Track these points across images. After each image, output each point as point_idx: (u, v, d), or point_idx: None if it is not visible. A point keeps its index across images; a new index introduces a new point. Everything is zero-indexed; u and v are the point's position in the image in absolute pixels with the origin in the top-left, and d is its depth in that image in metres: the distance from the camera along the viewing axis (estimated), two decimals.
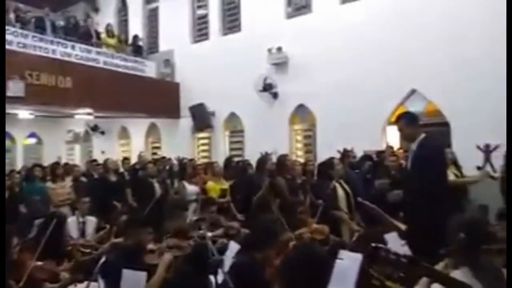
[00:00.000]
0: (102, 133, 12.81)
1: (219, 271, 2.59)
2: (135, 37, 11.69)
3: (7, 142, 12.61)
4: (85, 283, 3.21)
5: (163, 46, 11.72)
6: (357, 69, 8.10)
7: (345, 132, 7.84)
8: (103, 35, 10.88)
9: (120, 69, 10.27)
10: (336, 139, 7.69)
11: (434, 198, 3.45)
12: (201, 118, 10.43)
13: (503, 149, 5.00)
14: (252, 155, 7.79)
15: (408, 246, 2.85)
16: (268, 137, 8.98)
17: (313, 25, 8.88)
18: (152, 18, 12.27)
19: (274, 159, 6.76)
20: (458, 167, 5.55)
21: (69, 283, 3.34)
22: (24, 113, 10.46)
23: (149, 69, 11.08)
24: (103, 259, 3.29)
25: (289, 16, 9.57)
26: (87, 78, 9.18)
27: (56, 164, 7.23)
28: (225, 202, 6.11)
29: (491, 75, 6.75)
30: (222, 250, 3.15)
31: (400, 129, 3.83)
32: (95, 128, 12.81)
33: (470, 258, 2.05)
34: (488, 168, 5.99)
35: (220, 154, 10.04)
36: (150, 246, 3.33)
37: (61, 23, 10.44)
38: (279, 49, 9.20)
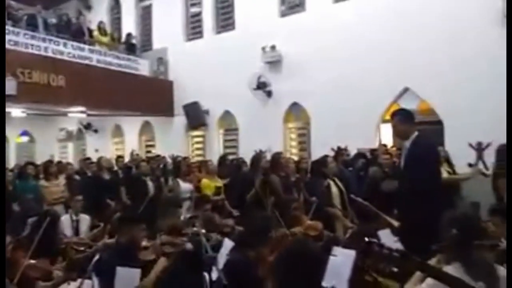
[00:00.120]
0: (96, 131, 12.74)
1: (213, 268, 2.60)
2: (128, 35, 11.63)
3: None
4: (79, 281, 3.20)
5: (156, 44, 11.67)
6: (350, 67, 8.13)
7: (339, 130, 7.87)
8: (95, 33, 10.81)
9: (113, 67, 10.21)
10: (330, 137, 7.72)
11: (427, 195, 3.47)
12: (195, 116, 10.41)
13: (495, 145, 5.05)
14: (246, 153, 7.80)
15: (400, 243, 2.88)
16: (262, 135, 8.99)
17: (307, 24, 8.90)
18: (145, 16, 12.20)
19: (268, 157, 6.78)
20: (450, 164, 5.60)
21: (62, 281, 3.32)
22: (16, 111, 10.37)
23: (143, 67, 11.03)
24: (97, 257, 3.29)
25: (283, 14, 9.57)
26: (80, 76, 9.12)
27: (49, 162, 7.19)
28: (220, 200, 6.11)
29: (486, 75, 6.81)
30: (216, 247, 3.15)
31: (394, 126, 3.83)
32: (88, 126, 12.73)
33: (462, 254, 2.08)
34: (480, 165, 6.05)
35: (214, 152, 10.03)
36: (144, 243, 3.33)
37: (53, 20, 10.35)
38: (273, 47, 9.21)
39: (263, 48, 9.27)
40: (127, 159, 9.27)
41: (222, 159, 7.57)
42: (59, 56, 9.20)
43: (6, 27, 8.49)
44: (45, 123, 13.06)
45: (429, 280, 1.95)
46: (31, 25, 9.20)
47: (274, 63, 9.30)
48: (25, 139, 13.78)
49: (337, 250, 3.01)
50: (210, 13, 10.73)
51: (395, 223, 3.69)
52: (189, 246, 3.21)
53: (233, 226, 4.66)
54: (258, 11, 9.63)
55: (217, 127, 10.58)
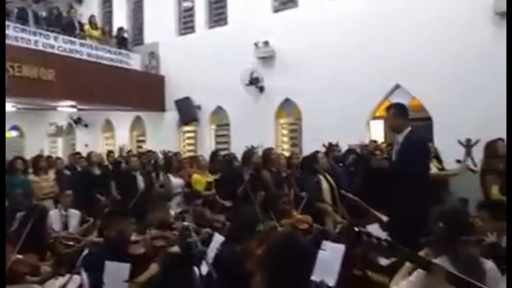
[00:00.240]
0: (86, 126, 12.64)
1: (203, 262, 2.60)
2: (120, 29, 11.52)
3: None
4: (67, 276, 3.18)
5: (148, 38, 11.59)
6: (342, 64, 8.15)
7: (331, 126, 7.90)
8: (86, 27, 10.70)
9: (104, 61, 10.12)
10: (321, 133, 7.75)
11: (416, 190, 3.50)
12: (187, 111, 10.37)
13: (484, 142, 5.11)
14: (238, 149, 7.79)
15: (389, 237, 2.91)
16: (254, 131, 8.98)
17: (300, 20, 8.89)
18: (137, 10, 12.11)
19: (260, 152, 6.79)
20: (439, 160, 5.64)
21: (50, 276, 3.30)
22: (6, 106, 10.23)
23: (134, 61, 10.95)
24: (85, 252, 3.27)
25: (276, 10, 9.56)
26: (70, 70, 9.04)
27: (38, 157, 7.09)
28: (211, 195, 6.11)
29: (476, 72, 6.88)
30: (206, 241, 3.16)
31: (388, 119, 3.85)
32: (78, 121, 12.63)
33: (449, 248, 2.10)
34: (469, 162, 6.11)
35: (206, 147, 10.01)
36: (133, 237, 3.32)
37: (44, 14, 10.23)
38: (266, 43, 9.20)
39: (256, 44, 9.25)
40: (117, 154, 9.22)
41: (214, 154, 7.56)
42: (49, 50, 9.10)
43: None
44: (35, 117, 12.93)
45: (417, 272, 1.97)
46: (21, 18, 9.09)
47: (267, 59, 9.29)
48: (14, 133, 13.62)
49: (327, 245, 3.02)
50: (202, 8, 10.68)
51: (385, 218, 3.72)
52: (179, 240, 3.20)
53: (224, 222, 4.67)
54: (251, 6, 9.61)
55: (209, 123, 10.56)
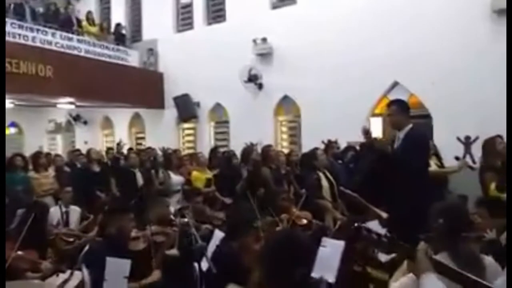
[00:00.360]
0: (85, 123, 12.62)
1: (204, 258, 2.62)
2: (118, 25, 11.48)
3: None
4: (68, 272, 3.19)
5: (146, 35, 11.55)
6: (341, 61, 8.14)
7: (330, 123, 7.90)
8: (84, 23, 10.67)
9: (102, 58, 10.09)
10: (320, 130, 7.76)
11: (417, 187, 3.51)
12: (186, 108, 10.36)
13: (483, 139, 5.12)
14: (237, 146, 7.80)
15: (389, 234, 2.92)
16: (253, 128, 8.99)
17: (298, 17, 8.87)
18: (135, 6, 12.05)
19: (259, 149, 6.80)
20: (439, 158, 5.65)
21: (51, 273, 3.31)
22: None
23: (132, 58, 10.92)
24: (86, 248, 3.28)
25: (274, 6, 9.53)
26: (69, 67, 9.00)
27: (38, 154, 7.09)
28: (211, 192, 6.12)
29: (474, 69, 6.88)
30: (206, 237, 3.17)
31: (389, 115, 3.81)
32: (77, 118, 12.60)
33: (449, 244, 2.11)
34: (468, 159, 6.14)
35: (205, 145, 10.01)
36: (134, 233, 3.33)
37: (41, 10, 10.19)
38: (264, 39, 9.18)
39: (254, 40, 9.23)
40: (115, 150, 9.20)
41: (213, 151, 7.57)
42: (47, 46, 9.07)
43: None
44: (34, 114, 12.90)
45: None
46: (19, 14, 9.04)
47: (265, 56, 9.28)
48: (13, 130, 13.59)
49: (326, 241, 3.05)
50: (200, 4, 10.64)
51: (384, 215, 3.74)
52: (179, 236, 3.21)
53: (223, 219, 4.68)
54: (249, 2, 9.58)
55: (208, 120, 10.56)
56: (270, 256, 1.85)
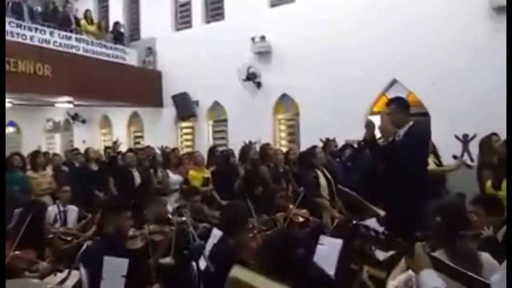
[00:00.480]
0: (83, 122, 12.60)
1: (201, 257, 2.61)
2: (116, 24, 11.46)
3: None
4: (66, 272, 3.19)
5: (144, 33, 11.53)
6: (340, 59, 8.14)
7: (328, 121, 7.90)
8: (82, 22, 10.64)
9: (100, 57, 10.07)
10: (319, 128, 7.75)
11: (415, 185, 3.50)
12: (184, 107, 10.35)
13: (481, 137, 5.13)
14: (236, 145, 7.79)
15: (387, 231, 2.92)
16: (252, 127, 8.99)
17: (296, 15, 8.87)
18: (133, 5, 12.02)
19: (257, 148, 6.80)
20: (437, 156, 5.66)
21: (49, 272, 3.31)
22: None
23: (131, 57, 10.90)
24: (84, 247, 3.28)
25: (273, 4, 9.52)
26: (67, 66, 8.98)
27: (36, 153, 7.09)
28: (208, 191, 6.12)
29: (473, 67, 6.88)
30: (204, 236, 3.17)
31: (389, 113, 3.75)
32: (75, 117, 12.58)
33: (447, 241, 2.12)
34: (466, 157, 6.15)
35: (204, 143, 10.00)
36: (131, 232, 3.33)
37: (39, 8, 10.16)
38: (263, 38, 9.17)
39: (253, 39, 9.22)
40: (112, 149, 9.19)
41: (212, 150, 7.56)
42: (45, 45, 9.05)
43: None
44: (32, 113, 12.88)
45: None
46: (16, 13, 9.01)
47: (264, 54, 9.27)
48: (11, 129, 13.57)
49: (324, 239, 3.05)
50: (199, 3, 10.62)
51: (382, 213, 3.74)
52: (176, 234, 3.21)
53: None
54: (247, 1, 9.57)
55: (207, 118, 10.55)
56: (268, 256, 1.86)
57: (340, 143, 7.29)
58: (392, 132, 3.67)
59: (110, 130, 12.37)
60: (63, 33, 9.54)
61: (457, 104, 6.94)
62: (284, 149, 7.87)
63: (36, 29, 9.07)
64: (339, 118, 7.87)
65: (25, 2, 9.47)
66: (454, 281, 1.78)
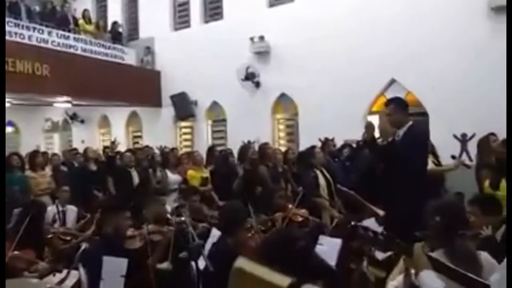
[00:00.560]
0: (82, 121, 12.58)
1: (201, 257, 2.61)
2: (115, 23, 11.44)
3: None
4: (65, 271, 3.19)
5: (143, 33, 11.50)
6: (338, 59, 8.15)
7: (327, 121, 7.90)
8: (80, 21, 10.62)
9: (99, 56, 10.06)
10: (318, 128, 7.75)
11: (415, 185, 3.50)
12: (183, 107, 10.35)
13: (479, 137, 5.14)
14: (234, 144, 7.79)
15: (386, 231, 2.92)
16: (251, 126, 8.98)
17: (295, 14, 8.87)
18: (131, 4, 12.00)
19: (256, 148, 6.80)
20: (436, 156, 5.66)
21: (48, 272, 3.31)
22: None
23: (129, 56, 10.89)
24: (83, 247, 3.28)
25: (271, 4, 9.52)
26: (65, 65, 8.97)
27: (35, 153, 7.08)
28: (207, 190, 6.12)
29: (472, 67, 6.89)
30: (203, 236, 3.17)
31: (388, 114, 3.75)
32: (74, 117, 12.55)
33: (446, 241, 2.12)
34: (464, 156, 6.15)
35: (203, 143, 10.00)
36: (130, 232, 3.32)
37: (37, 8, 10.14)
38: (262, 37, 9.17)
39: (252, 39, 9.22)
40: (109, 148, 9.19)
41: (211, 150, 7.56)
42: (43, 45, 9.03)
43: None
44: (30, 113, 12.85)
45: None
46: (14, 12, 8.99)
47: (263, 54, 9.27)
48: (9, 129, 13.54)
49: (323, 239, 3.06)
50: (197, 2, 10.60)
51: (381, 213, 3.74)
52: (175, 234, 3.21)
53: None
54: (246, 0, 9.57)
55: (205, 118, 10.54)
56: (267, 256, 1.86)
57: (339, 142, 7.29)
58: (391, 132, 3.67)
59: (109, 130, 12.36)
60: (61, 32, 9.52)
61: (456, 104, 6.95)
62: (283, 149, 7.88)
63: (34, 29, 9.06)
64: (338, 118, 7.87)
65: (22, 1, 9.45)
66: (453, 282, 1.79)
